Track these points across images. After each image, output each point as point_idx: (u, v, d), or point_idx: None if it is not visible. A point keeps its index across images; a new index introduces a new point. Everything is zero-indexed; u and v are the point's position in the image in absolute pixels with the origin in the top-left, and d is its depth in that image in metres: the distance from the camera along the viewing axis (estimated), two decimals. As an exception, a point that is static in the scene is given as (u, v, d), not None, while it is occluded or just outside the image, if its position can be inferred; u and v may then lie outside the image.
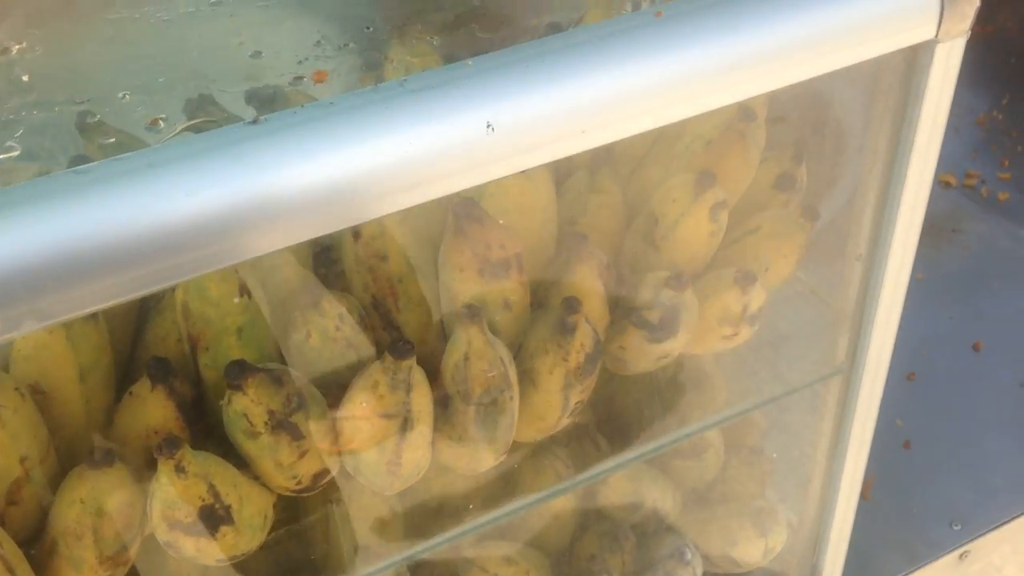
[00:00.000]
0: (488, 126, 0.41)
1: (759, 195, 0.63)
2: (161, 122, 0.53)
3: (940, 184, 1.20)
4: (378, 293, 0.53)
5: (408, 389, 0.48)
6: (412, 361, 0.48)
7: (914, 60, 0.51)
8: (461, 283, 0.51)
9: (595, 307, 0.54)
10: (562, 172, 0.58)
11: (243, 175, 0.38)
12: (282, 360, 0.51)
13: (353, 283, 0.53)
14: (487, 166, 0.41)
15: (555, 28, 0.62)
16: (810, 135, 0.63)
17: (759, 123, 0.61)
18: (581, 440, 0.65)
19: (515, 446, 0.54)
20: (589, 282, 0.54)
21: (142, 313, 0.52)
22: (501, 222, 0.52)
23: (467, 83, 0.41)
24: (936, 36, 0.49)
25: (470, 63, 0.42)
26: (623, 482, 0.68)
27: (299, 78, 0.51)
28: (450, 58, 0.59)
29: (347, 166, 0.39)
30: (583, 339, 0.52)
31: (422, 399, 0.49)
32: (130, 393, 0.48)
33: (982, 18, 1.58)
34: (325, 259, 0.55)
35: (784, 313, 0.65)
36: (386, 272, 0.52)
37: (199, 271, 0.38)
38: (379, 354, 0.50)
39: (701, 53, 0.44)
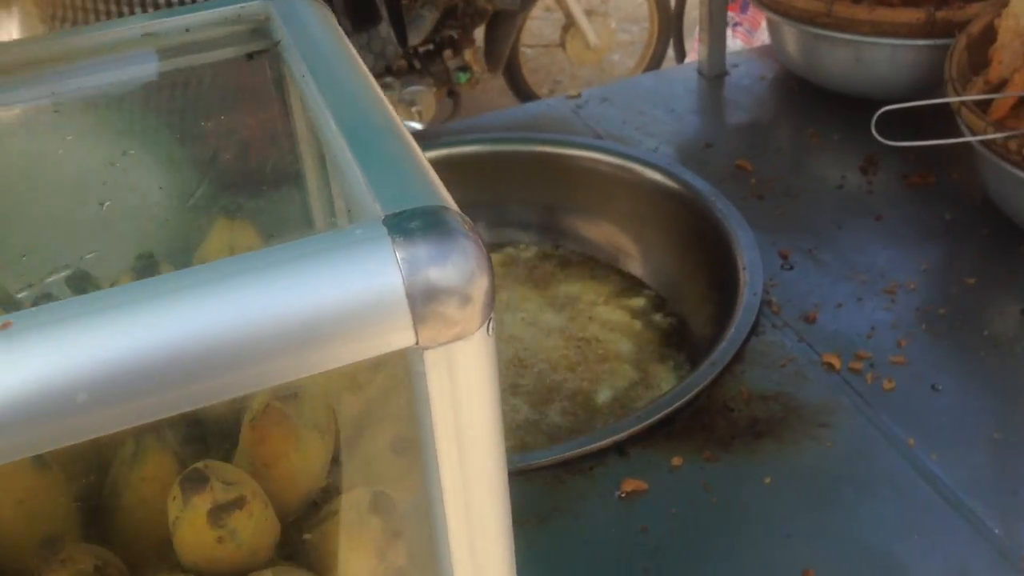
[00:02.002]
0: None
1: (379, 460, 0.55)
2: None
3: (823, 367, 1.08)
4: None
5: None
6: None
7: (408, 366, 0.42)
8: None
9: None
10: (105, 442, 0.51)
11: None
12: None
13: None
14: None
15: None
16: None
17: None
18: None
19: None
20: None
21: None
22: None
23: None
24: (417, 343, 0.40)
25: None
26: None
27: None
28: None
29: None
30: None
31: None
32: None
33: (924, 167, 1.44)
34: None
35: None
36: None
37: None
38: None
39: (64, 375, 0.37)
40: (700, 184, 1.36)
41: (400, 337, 0.40)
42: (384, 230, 0.40)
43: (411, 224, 0.41)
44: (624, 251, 1.45)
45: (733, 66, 1.68)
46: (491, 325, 0.42)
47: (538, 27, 4.77)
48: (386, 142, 0.47)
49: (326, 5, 0.59)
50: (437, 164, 1.49)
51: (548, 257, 1.48)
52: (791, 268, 1.22)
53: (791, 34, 1.52)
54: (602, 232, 1.46)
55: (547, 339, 1.34)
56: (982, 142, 1.15)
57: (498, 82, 4.20)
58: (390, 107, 0.50)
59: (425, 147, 1.47)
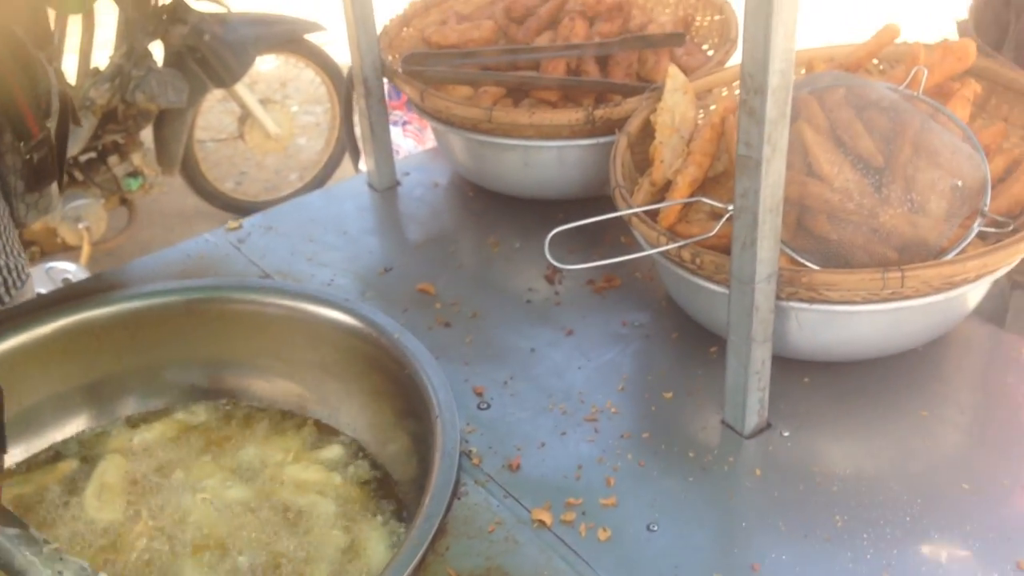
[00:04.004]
0: None
1: None
2: None
3: (534, 525, 0.97)
4: None
5: None
6: None
7: None
8: None
9: None
10: None
11: None
12: None
13: None
14: None
15: None
16: None
17: None
18: None
19: None
20: None
21: None
22: None
23: None
24: None
25: None
26: None
27: None
28: None
29: None
30: None
31: None
32: None
33: (608, 269, 1.37)
34: None
35: None
36: None
37: None
38: None
39: None
40: (381, 319, 1.24)
41: None
42: None
43: None
44: (308, 399, 1.29)
45: (404, 174, 1.59)
46: None
47: (215, 119, 4.52)
48: None
49: None
50: (69, 336, 1.24)
51: (225, 418, 1.29)
52: (488, 407, 1.12)
53: (457, 142, 1.45)
54: (280, 382, 1.30)
55: (237, 519, 1.15)
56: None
57: (177, 182, 3.91)
58: None
59: (52, 317, 1.24)
